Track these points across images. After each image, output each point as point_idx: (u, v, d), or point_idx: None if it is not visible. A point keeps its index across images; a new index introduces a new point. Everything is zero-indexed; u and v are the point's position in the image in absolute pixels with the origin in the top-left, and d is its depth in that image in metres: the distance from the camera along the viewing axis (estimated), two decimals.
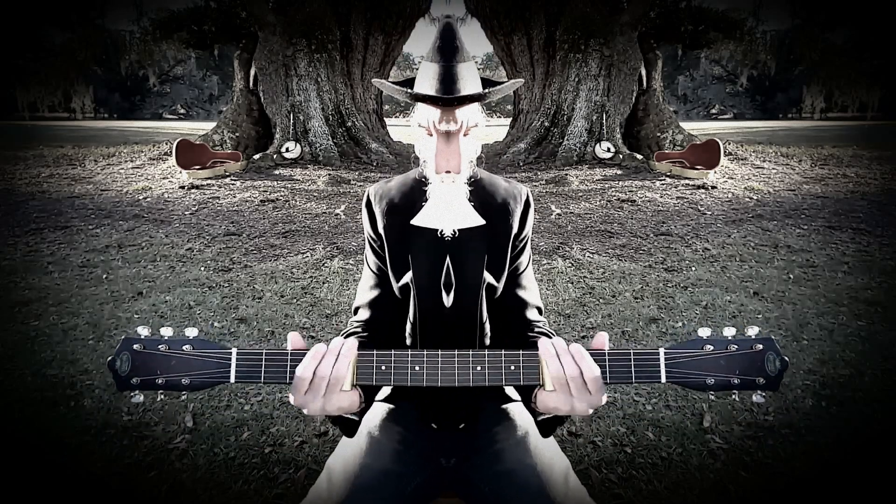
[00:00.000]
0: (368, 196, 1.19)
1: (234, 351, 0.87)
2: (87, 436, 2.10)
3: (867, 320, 3.25)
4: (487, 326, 1.12)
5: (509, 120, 15.39)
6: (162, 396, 0.90)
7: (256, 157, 11.07)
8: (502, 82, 1.09)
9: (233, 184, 8.77)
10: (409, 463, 1.04)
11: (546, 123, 12.44)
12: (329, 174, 9.94)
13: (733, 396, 0.87)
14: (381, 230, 1.15)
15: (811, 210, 6.63)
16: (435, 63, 1.02)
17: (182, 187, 8.35)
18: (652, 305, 3.55)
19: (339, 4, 12.68)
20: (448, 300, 1.08)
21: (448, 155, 1.05)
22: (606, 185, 8.69)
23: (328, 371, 0.85)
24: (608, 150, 11.48)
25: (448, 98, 1.00)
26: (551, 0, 12.58)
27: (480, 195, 1.13)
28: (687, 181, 9.10)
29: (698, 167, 9.40)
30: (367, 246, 1.20)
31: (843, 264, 4.41)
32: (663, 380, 0.86)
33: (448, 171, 1.06)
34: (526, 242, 1.19)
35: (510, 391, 1.20)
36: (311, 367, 0.84)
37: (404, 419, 1.11)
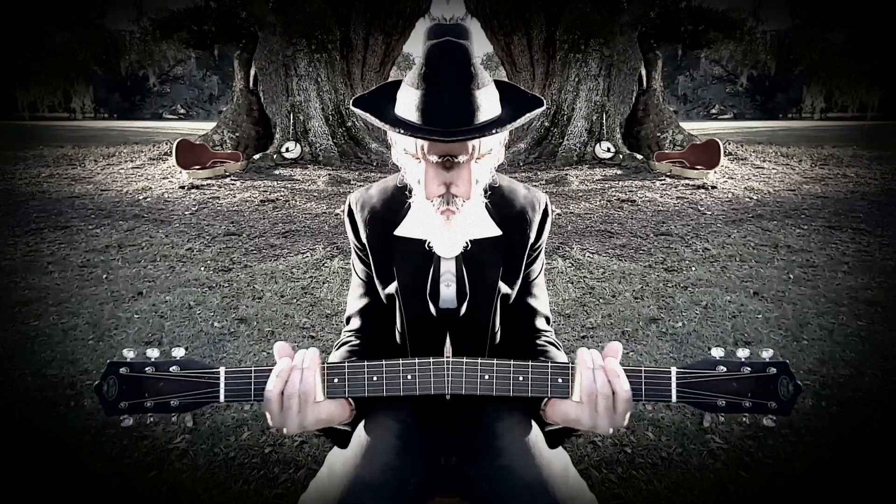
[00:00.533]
0: (350, 205, 1.15)
1: (222, 370, 0.86)
2: (87, 436, 2.10)
3: (867, 320, 3.25)
4: (499, 336, 1.11)
5: None
6: (152, 419, 0.88)
7: (256, 157, 11.07)
8: (519, 88, 1.01)
9: (233, 184, 8.77)
10: (409, 460, 1.03)
11: (546, 123, 12.44)
12: (329, 174, 9.94)
13: (743, 418, 0.86)
14: (364, 240, 1.12)
15: (811, 210, 6.63)
16: (424, 87, 0.89)
17: (182, 187, 8.35)
18: (652, 305, 3.55)
19: (339, 4, 12.68)
20: (461, 309, 1.06)
21: (451, 179, 0.95)
22: (606, 185, 8.69)
23: (295, 388, 0.82)
24: (608, 150, 11.48)
25: (444, 140, 0.87)
26: (551, 0, 12.58)
27: (498, 204, 1.09)
28: (687, 181, 9.10)
29: (698, 167, 9.40)
30: (353, 254, 1.18)
31: (843, 264, 4.41)
32: (674, 400, 0.84)
33: (445, 195, 0.96)
34: (541, 251, 1.17)
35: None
36: (277, 387, 0.82)
37: (404, 417, 1.11)
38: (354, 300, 1.19)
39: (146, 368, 0.86)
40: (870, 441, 2.10)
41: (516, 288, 1.12)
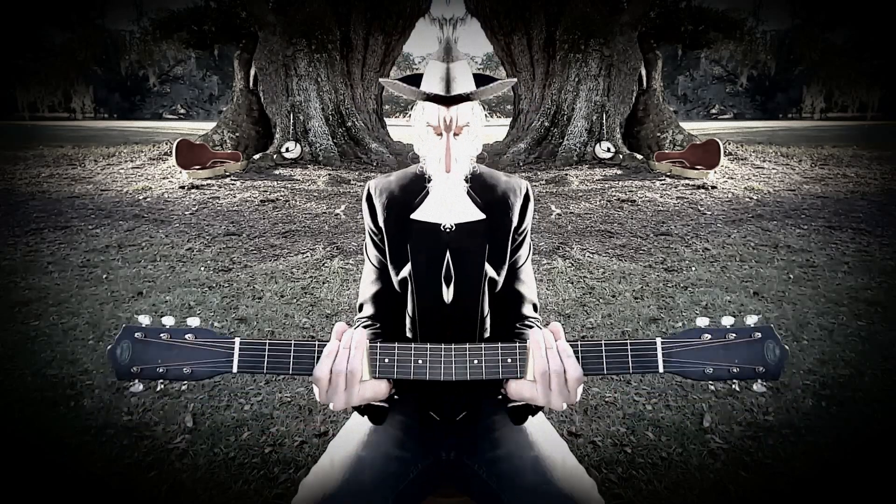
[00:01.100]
0: (369, 190, 1.20)
1: (237, 341, 0.87)
2: (87, 436, 2.10)
3: (867, 320, 3.25)
4: (488, 321, 1.13)
5: (509, 120, 15.38)
6: (162, 386, 0.88)
7: (256, 157, 11.07)
8: (497, 79, 1.10)
9: (233, 184, 8.77)
10: (411, 450, 1.05)
11: (546, 123, 12.44)
12: (329, 174, 9.94)
13: (733, 385, 0.86)
14: (381, 223, 1.15)
15: (811, 210, 6.63)
16: (437, 62, 1.05)
17: (182, 187, 8.35)
18: (652, 305, 3.55)
19: (339, 4, 12.68)
20: (448, 294, 1.09)
21: (444, 154, 1.07)
22: (606, 185, 8.69)
23: (343, 367, 0.86)
24: (608, 150, 11.48)
25: (446, 97, 1.03)
26: (551, 0, 12.58)
27: (480, 190, 1.14)
28: (687, 181, 9.10)
29: (698, 167, 9.40)
30: (368, 240, 1.21)
31: (843, 264, 4.41)
32: (661, 370, 0.85)
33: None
34: (525, 236, 1.20)
35: None
36: (326, 367, 0.86)
37: (406, 409, 1.13)
38: (367, 286, 1.21)
39: (161, 335, 0.87)
40: (870, 441, 2.10)
41: (503, 273, 1.14)
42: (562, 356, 0.86)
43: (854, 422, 2.22)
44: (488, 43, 15.21)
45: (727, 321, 0.86)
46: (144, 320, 0.88)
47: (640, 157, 11.17)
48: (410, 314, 1.12)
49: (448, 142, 1.05)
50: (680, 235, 5.43)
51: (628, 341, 0.86)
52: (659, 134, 12.18)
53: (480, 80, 1.10)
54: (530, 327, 1.16)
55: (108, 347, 0.87)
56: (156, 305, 3.53)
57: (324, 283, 4.02)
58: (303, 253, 4.83)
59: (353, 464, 0.99)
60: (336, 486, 0.95)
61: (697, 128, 19.22)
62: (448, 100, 1.03)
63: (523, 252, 1.20)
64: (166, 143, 13.42)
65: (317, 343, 0.89)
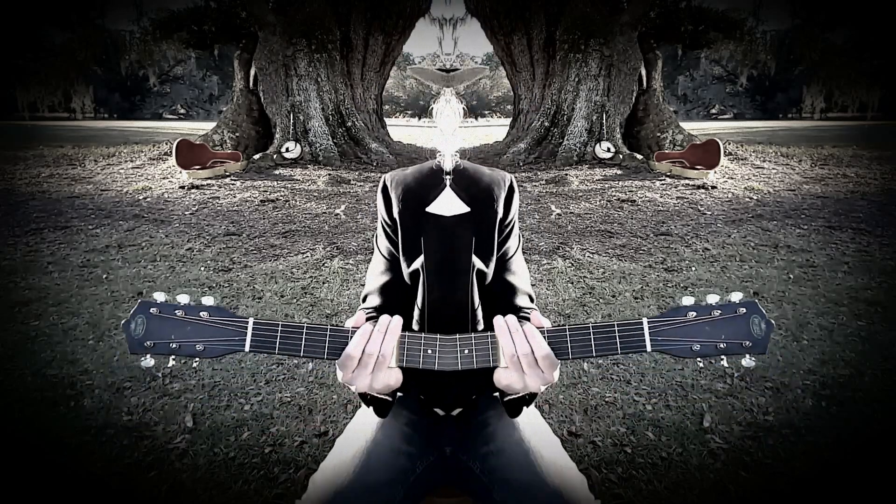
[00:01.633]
0: (385, 182, 1.20)
1: (251, 320, 0.88)
2: (87, 436, 2.10)
3: (867, 320, 3.25)
4: (480, 313, 1.14)
5: (509, 120, 15.38)
6: (173, 362, 0.89)
7: (256, 157, 11.07)
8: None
9: (233, 184, 8.77)
10: (417, 445, 1.06)
11: (546, 123, 12.44)
12: (329, 174, 9.94)
13: (722, 361, 0.86)
14: (395, 215, 1.16)
15: (811, 210, 6.63)
16: None
17: (182, 187, 8.35)
18: (652, 305, 3.55)
19: (339, 4, 12.68)
20: (446, 286, 1.10)
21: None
22: (606, 185, 8.69)
23: (376, 348, 0.87)
24: (608, 150, 11.48)
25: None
26: (551, 0, 12.58)
27: (463, 183, 1.15)
28: (687, 181, 9.10)
29: (698, 167, 9.40)
30: (380, 231, 1.21)
31: (843, 264, 4.41)
32: (649, 349, 0.86)
33: None
34: (513, 227, 1.20)
35: None
36: (360, 346, 0.87)
37: (411, 404, 1.14)
38: (375, 277, 1.21)
39: (176, 311, 0.88)
40: (870, 441, 2.10)
41: (492, 266, 1.15)
42: (528, 336, 0.87)
43: (854, 422, 2.22)
44: (488, 43, 15.21)
45: (712, 298, 0.87)
46: (160, 296, 0.89)
47: (640, 157, 11.17)
48: (420, 306, 1.13)
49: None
50: (680, 235, 5.43)
51: (615, 322, 0.87)
52: (659, 134, 12.18)
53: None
54: (525, 318, 1.17)
55: (123, 321, 0.88)
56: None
57: (324, 283, 4.02)
58: (303, 253, 4.83)
59: (363, 459, 1.00)
60: (347, 482, 0.96)
61: (697, 128, 19.22)
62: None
63: (512, 243, 1.20)
64: (166, 143, 13.43)
65: (329, 328, 0.89)
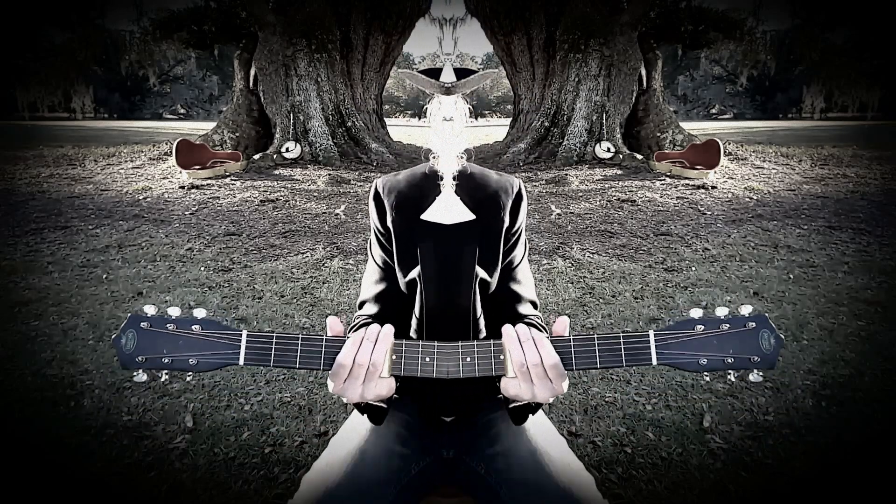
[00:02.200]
0: (377, 188, 1.16)
1: (244, 333, 0.86)
2: (87, 436, 2.10)
3: (867, 320, 3.25)
4: (482, 322, 1.11)
5: (509, 120, 15.38)
6: (167, 376, 0.87)
7: (256, 157, 11.07)
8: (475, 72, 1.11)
9: (233, 184, 8.77)
10: (412, 447, 1.05)
11: (546, 123, 12.44)
12: (329, 174, 9.94)
13: (729, 375, 0.85)
14: (389, 224, 1.12)
15: (811, 210, 6.63)
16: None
17: (182, 187, 8.35)
18: (652, 305, 3.55)
19: (339, 4, 12.68)
20: (446, 296, 1.08)
21: None
22: (606, 185, 8.69)
23: (367, 358, 0.85)
24: (608, 150, 11.48)
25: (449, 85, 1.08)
26: (551, 0, 12.58)
27: (470, 189, 1.11)
28: (687, 181, 9.10)
29: (698, 167, 9.40)
30: (374, 239, 1.18)
31: (843, 264, 4.41)
32: (654, 362, 0.84)
33: None
34: (519, 236, 1.17)
35: None
36: (350, 355, 0.85)
37: (407, 406, 1.12)
38: (370, 286, 1.18)
39: (167, 325, 0.86)
40: (870, 441, 2.10)
41: (496, 275, 1.12)
42: (537, 346, 0.85)
43: (854, 422, 2.22)
44: (488, 43, 15.21)
45: (721, 311, 0.85)
46: (150, 310, 0.87)
47: (640, 157, 11.17)
48: (418, 315, 1.11)
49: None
50: (680, 235, 5.43)
51: (621, 334, 0.85)
52: (659, 134, 12.18)
53: (462, 74, 1.09)
54: (530, 325, 1.15)
55: (113, 336, 0.86)
56: (156, 306, 3.52)
57: (324, 283, 4.02)
58: (303, 253, 4.83)
59: (355, 460, 0.98)
60: (337, 482, 0.94)
61: (697, 128, 19.22)
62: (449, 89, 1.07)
63: (518, 252, 1.17)
64: (166, 143, 13.43)
65: (324, 338, 0.88)
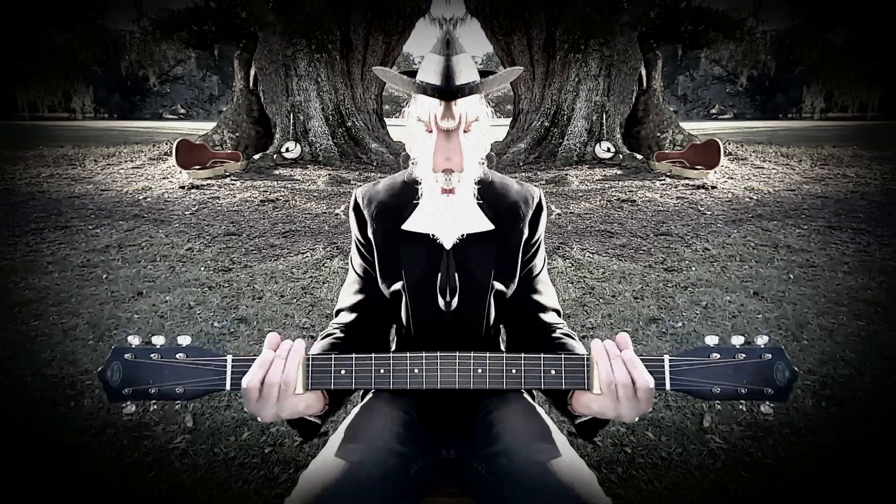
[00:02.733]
0: (356, 199, 1.16)
1: (229, 358, 0.86)
2: (87, 436, 2.10)
3: (867, 320, 3.25)
4: (495, 331, 1.12)
5: (509, 120, 15.39)
6: (155, 406, 0.87)
7: (256, 157, 11.07)
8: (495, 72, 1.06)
9: (233, 184, 8.77)
10: (411, 447, 1.04)
11: (546, 123, 12.44)
12: (329, 174, 9.94)
13: (741, 406, 0.85)
14: (370, 235, 1.12)
15: (811, 210, 6.63)
16: (436, 55, 0.98)
17: (182, 187, 8.35)
18: (652, 305, 3.55)
19: (339, 4, 12.68)
20: (452, 304, 1.07)
21: (448, 152, 1.01)
22: (606, 185, 8.69)
23: (277, 377, 0.83)
24: (608, 150, 11.48)
25: (448, 89, 0.96)
26: (551, 0, 12.58)
27: (490, 198, 1.10)
28: (687, 181, 9.10)
29: (698, 167, 9.40)
30: (354, 249, 1.17)
31: (843, 264, 4.41)
32: (668, 387, 0.84)
33: (446, 171, 1.01)
34: (538, 246, 1.16)
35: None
36: (258, 376, 0.83)
37: (406, 406, 1.12)
38: (348, 295, 1.18)
39: (151, 355, 0.86)
40: (870, 441, 2.10)
41: (513, 286, 1.11)
42: (628, 366, 0.84)
43: (854, 422, 2.22)
44: (488, 43, 15.20)
45: (737, 340, 0.85)
46: (134, 340, 0.87)
47: (640, 157, 11.17)
48: (405, 325, 1.10)
49: (458, 138, 1.01)
50: (680, 235, 5.43)
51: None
52: (659, 134, 12.18)
53: (483, 75, 1.05)
54: (564, 334, 1.14)
55: (98, 370, 0.86)
56: (156, 305, 3.53)
57: (324, 283, 4.02)
58: (303, 253, 4.83)
59: (353, 458, 0.97)
60: (335, 481, 0.93)
61: (697, 128, 19.22)
62: (450, 93, 0.96)
63: (537, 262, 1.16)
64: (166, 143, 13.42)
65: (311, 356, 0.88)
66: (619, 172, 10.19)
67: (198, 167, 9.34)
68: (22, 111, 35.03)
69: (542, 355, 0.87)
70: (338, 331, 1.15)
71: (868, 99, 33.75)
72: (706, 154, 9.55)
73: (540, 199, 1.15)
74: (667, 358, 0.85)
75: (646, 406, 0.84)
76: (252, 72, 12.52)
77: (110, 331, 3.10)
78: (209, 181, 9.01)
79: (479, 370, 0.87)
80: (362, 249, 1.15)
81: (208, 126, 14.70)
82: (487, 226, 1.08)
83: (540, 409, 1.13)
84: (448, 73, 0.96)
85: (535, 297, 1.16)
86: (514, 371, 0.87)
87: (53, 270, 4.24)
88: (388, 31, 13.91)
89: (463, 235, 1.06)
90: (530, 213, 1.12)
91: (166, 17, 15.04)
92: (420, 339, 1.10)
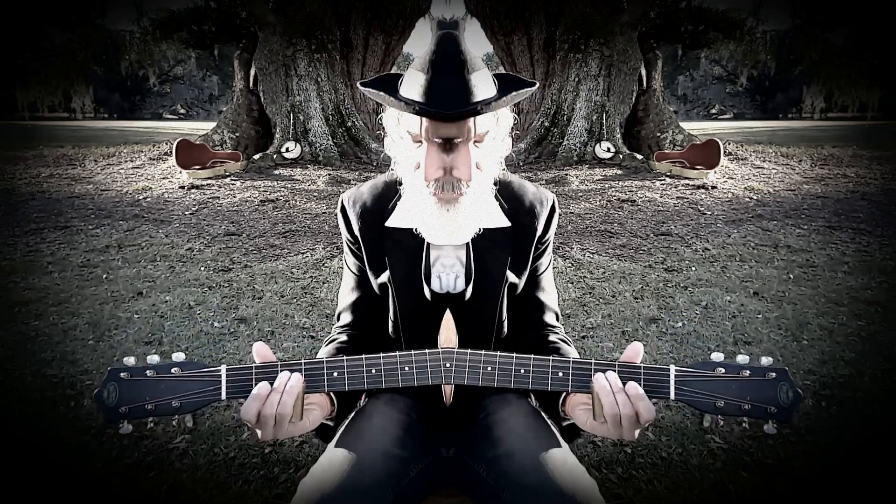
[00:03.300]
0: (342, 202, 1.22)
1: (223, 368, 0.87)
2: (87, 436, 2.10)
3: (867, 320, 3.25)
4: (506, 325, 1.15)
5: None
6: (152, 424, 0.88)
7: (256, 157, 11.06)
8: (520, 78, 1.05)
9: (233, 184, 8.77)
10: (410, 449, 1.04)
11: (546, 123, 12.43)
12: (329, 174, 9.94)
13: (743, 424, 0.85)
14: (357, 233, 1.17)
15: (811, 210, 6.63)
16: (429, 73, 0.94)
17: (182, 187, 8.35)
18: (652, 305, 3.55)
19: (339, 4, 12.67)
20: (466, 293, 1.10)
21: (446, 162, 0.98)
22: (606, 185, 8.69)
23: (272, 411, 0.85)
24: (608, 150, 11.47)
25: (445, 114, 0.92)
26: (551, 0, 12.58)
27: (508, 198, 1.15)
28: (687, 181, 9.10)
29: (698, 167, 9.40)
30: (346, 249, 1.23)
31: (843, 264, 4.41)
32: (672, 397, 0.86)
33: (437, 179, 0.99)
34: (548, 245, 1.21)
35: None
36: (254, 409, 0.85)
37: (405, 408, 1.12)
38: (346, 295, 1.23)
39: (146, 372, 0.87)
40: (870, 441, 2.10)
41: (524, 279, 1.15)
42: (632, 400, 0.85)
43: (854, 422, 2.22)
44: (488, 43, 15.20)
45: (742, 359, 0.86)
46: (129, 360, 0.88)
47: (640, 157, 11.16)
48: (392, 318, 1.14)
49: (468, 149, 0.98)
50: (680, 235, 5.43)
51: (641, 366, 0.87)
52: (659, 134, 12.18)
53: (503, 80, 1.02)
54: (559, 339, 1.18)
55: (95, 391, 0.87)
56: (156, 305, 3.53)
57: (324, 283, 4.02)
58: (303, 253, 4.84)
59: (352, 463, 0.98)
60: (334, 486, 0.94)
61: (697, 128, 19.22)
62: (450, 116, 0.92)
63: (544, 260, 1.20)
64: (166, 143, 13.42)
65: (304, 362, 0.89)
66: (619, 172, 10.19)
67: (198, 167, 9.34)
68: (22, 111, 35.03)
69: (531, 356, 0.89)
70: (343, 334, 1.19)
71: (868, 99, 33.75)
72: (706, 154, 9.55)
73: (554, 203, 1.20)
74: (672, 368, 0.86)
75: (645, 426, 0.87)
76: (252, 72, 12.51)
77: (110, 331, 3.10)
78: (209, 181, 9.01)
79: (489, 367, 0.90)
80: (353, 247, 1.20)
81: (208, 126, 14.69)
82: (505, 222, 1.12)
83: (542, 413, 1.14)
84: (449, 92, 0.92)
85: (539, 294, 1.19)
86: (522, 371, 0.89)
87: (53, 270, 4.24)
88: (388, 31, 13.90)
89: (480, 230, 1.08)
90: (545, 213, 1.17)
91: (166, 17, 15.03)
92: (409, 332, 1.13)
